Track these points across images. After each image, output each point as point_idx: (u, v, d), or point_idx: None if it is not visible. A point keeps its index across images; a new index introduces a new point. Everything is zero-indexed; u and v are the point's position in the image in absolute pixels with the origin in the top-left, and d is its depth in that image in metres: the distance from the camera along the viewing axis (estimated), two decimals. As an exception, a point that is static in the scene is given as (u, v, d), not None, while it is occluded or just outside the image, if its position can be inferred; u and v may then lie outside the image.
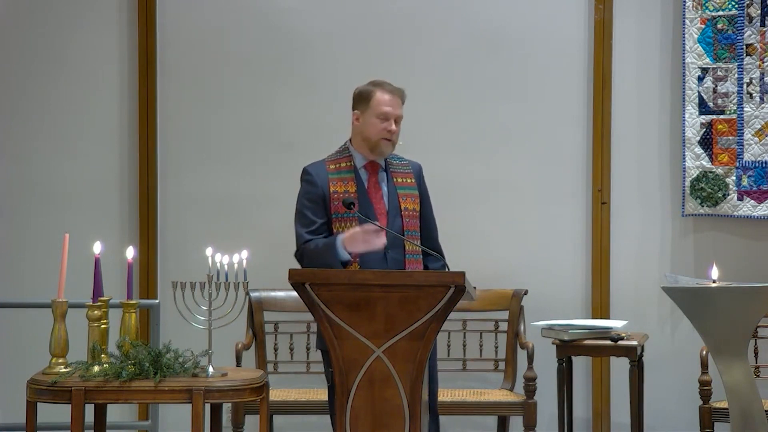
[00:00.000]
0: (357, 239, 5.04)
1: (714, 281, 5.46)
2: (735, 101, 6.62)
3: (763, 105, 6.61)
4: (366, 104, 5.22)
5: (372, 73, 6.64)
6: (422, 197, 5.32)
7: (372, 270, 5.02)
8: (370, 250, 5.06)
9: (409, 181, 5.28)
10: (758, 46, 6.61)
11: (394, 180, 5.25)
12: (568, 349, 6.23)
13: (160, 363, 5.05)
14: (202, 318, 5.11)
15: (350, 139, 5.32)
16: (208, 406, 5.24)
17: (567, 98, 6.79)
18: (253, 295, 6.60)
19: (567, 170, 6.81)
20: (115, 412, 6.46)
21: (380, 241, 5.05)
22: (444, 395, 6.26)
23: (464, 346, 6.67)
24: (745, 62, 6.62)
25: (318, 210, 5.21)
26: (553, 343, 6.25)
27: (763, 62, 6.61)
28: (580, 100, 6.80)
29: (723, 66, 6.64)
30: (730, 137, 6.64)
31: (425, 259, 5.26)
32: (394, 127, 5.19)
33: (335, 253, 5.07)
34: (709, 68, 6.65)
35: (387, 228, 5.13)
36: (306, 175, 5.28)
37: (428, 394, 5.02)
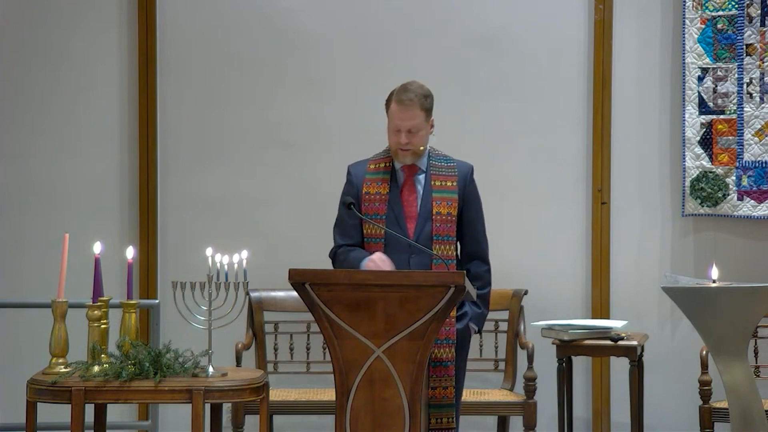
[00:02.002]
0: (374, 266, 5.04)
1: (714, 281, 5.47)
2: (735, 101, 6.62)
3: (763, 105, 6.61)
4: (387, 113, 5.18)
5: (372, 73, 6.68)
6: (466, 201, 5.23)
7: (372, 270, 5.02)
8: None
9: (449, 184, 5.21)
10: (758, 46, 6.61)
11: (432, 183, 5.19)
12: (568, 349, 6.23)
13: (160, 363, 5.05)
14: (202, 318, 5.11)
15: None
16: (208, 406, 5.24)
17: (567, 98, 6.79)
18: (253, 295, 6.59)
19: (567, 170, 6.81)
20: (115, 412, 6.46)
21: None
22: (444, 395, 6.26)
23: (464, 346, 6.67)
24: (745, 62, 6.62)
25: (352, 212, 5.16)
26: (553, 343, 6.25)
27: (763, 62, 6.61)
28: (580, 100, 6.80)
29: (723, 66, 6.64)
30: (730, 137, 6.64)
31: (468, 264, 5.19)
32: (404, 139, 5.10)
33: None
34: (709, 68, 6.65)
35: (411, 233, 5.10)
36: (347, 175, 5.24)
37: (427, 396, 5.03)
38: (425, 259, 5.10)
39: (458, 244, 5.24)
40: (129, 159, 6.90)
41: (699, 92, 6.66)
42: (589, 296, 6.78)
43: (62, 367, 5.10)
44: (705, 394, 6.16)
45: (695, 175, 6.67)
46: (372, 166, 5.21)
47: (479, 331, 5.27)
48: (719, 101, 6.65)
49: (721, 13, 6.63)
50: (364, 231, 5.16)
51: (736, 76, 6.61)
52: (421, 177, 5.20)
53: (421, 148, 5.15)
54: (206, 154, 6.89)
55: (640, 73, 6.77)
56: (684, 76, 6.68)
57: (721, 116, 6.65)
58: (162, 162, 6.90)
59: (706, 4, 6.63)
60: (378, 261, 5.03)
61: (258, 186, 6.86)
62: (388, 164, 5.20)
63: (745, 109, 6.63)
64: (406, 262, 5.10)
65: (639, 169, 6.79)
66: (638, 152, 6.79)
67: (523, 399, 6.30)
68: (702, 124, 6.66)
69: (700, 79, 6.65)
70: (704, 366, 6.19)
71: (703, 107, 6.66)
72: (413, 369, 4.75)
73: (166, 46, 6.88)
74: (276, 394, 6.35)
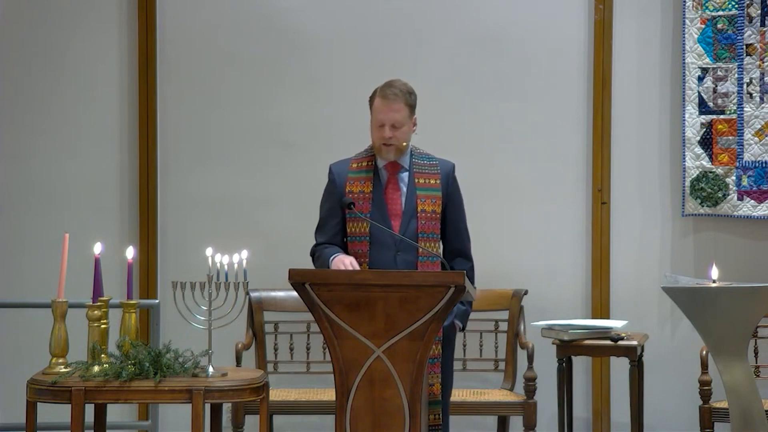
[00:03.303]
0: (339, 267, 5.06)
1: (714, 281, 5.46)
2: (735, 101, 6.62)
3: (763, 105, 6.61)
4: (371, 109, 5.23)
5: (372, 73, 6.66)
6: (448, 199, 5.25)
7: (372, 270, 5.02)
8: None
9: (432, 182, 5.23)
10: (758, 46, 6.61)
11: (416, 181, 5.21)
12: (568, 349, 6.23)
13: (160, 363, 5.05)
14: (202, 318, 5.11)
15: None
16: (208, 406, 5.24)
17: (567, 98, 6.79)
18: (253, 295, 6.60)
19: (567, 170, 6.81)
20: (115, 412, 6.46)
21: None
22: (444, 395, 6.26)
23: (464, 346, 6.67)
24: (745, 62, 6.62)
25: (334, 209, 5.21)
26: (553, 343, 6.25)
27: (763, 62, 6.61)
28: (580, 100, 6.80)
29: (723, 66, 6.64)
30: (730, 137, 6.64)
31: (451, 261, 5.22)
32: (388, 133, 5.14)
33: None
34: (709, 68, 6.65)
35: (396, 231, 5.12)
36: (329, 174, 5.29)
37: (427, 396, 5.02)
38: (411, 257, 5.14)
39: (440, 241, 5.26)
40: (129, 159, 6.90)
41: (699, 92, 6.66)
42: (589, 296, 6.78)
43: (62, 367, 5.10)
44: (705, 394, 6.16)
45: (695, 175, 6.67)
46: (354, 165, 5.24)
47: (464, 329, 5.28)
48: (719, 101, 6.65)
49: (721, 13, 6.63)
50: (349, 229, 5.18)
51: (736, 76, 6.61)
52: (404, 175, 5.23)
53: (404, 144, 5.18)
54: (206, 154, 6.89)
55: (640, 73, 6.77)
56: (684, 76, 6.67)
57: (721, 116, 6.65)
58: (162, 162, 6.90)
59: (706, 4, 6.63)
60: (345, 261, 5.03)
61: (258, 186, 6.86)
62: (370, 163, 5.23)
63: (745, 109, 6.63)
64: (393, 260, 5.13)
65: (639, 169, 6.79)
66: (638, 152, 6.79)
67: (523, 399, 6.30)
68: (702, 124, 6.66)
69: (700, 79, 6.65)
70: (704, 366, 6.19)
71: (703, 107, 6.66)
72: (413, 369, 4.75)
73: (166, 46, 6.88)
74: (276, 394, 6.35)
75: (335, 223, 5.21)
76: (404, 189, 5.21)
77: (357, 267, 5.05)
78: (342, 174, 5.23)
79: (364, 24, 6.83)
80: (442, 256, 5.23)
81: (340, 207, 5.19)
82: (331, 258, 5.09)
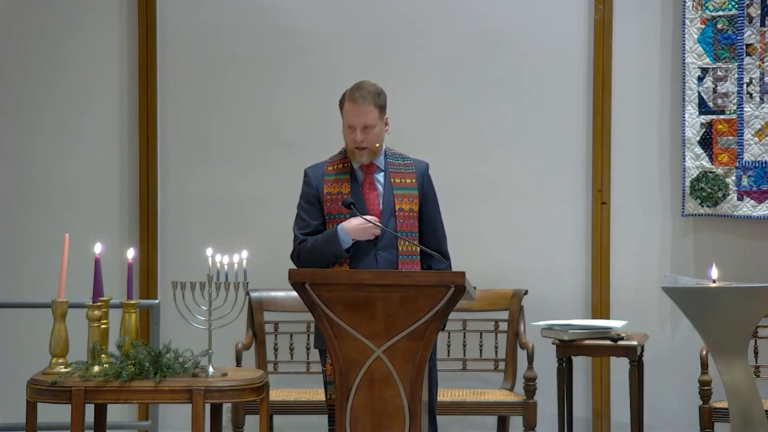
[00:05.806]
0: (356, 226, 5.09)
1: (714, 281, 5.47)
2: (735, 101, 6.62)
3: (763, 105, 6.61)
4: (341, 113, 5.25)
5: (372, 73, 6.65)
6: (424, 198, 5.29)
7: (372, 270, 5.03)
8: (367, 238, 5.11)
9: (408, 181, 5.27)
10: (758, 46, 6.61)
11: (392, 180, 5.24)
12: (568, 349, 6.23)
13: (160, 363, 5.06)
14: (202, 318, 5.12)
15: None
16: (208, 406, 5.24)
17: (567, 98, 6.79)
18: (253, 295, 6.60)
19: (567, 170, 6.81)
20: (115, 412, 6.46)
21: (376, 231, 5.11)
22: (444, 395, 6.26)
23: (464, 346, 6.67)
24: (745, 62, 6.62)
25: (313, 211, 5.24)
26: (553, 343, 6.25)
27: (763, 62, 6.61)
28: (580, 100, 6.80)
29: (723, 66, 6.64)
30: (730, 137, 6.64)
31: (428, 261, 5.24)
32: (359, 137, 5.16)
33: (337, 239, 5.11)
34: (709, 68, 6.65)
35: (383, 227, 5.14)
36: (305, 177, 5.32)
37: (427, 396, 5.02)
38: (392, 256, 5.16)
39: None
40: (129, 159, 6.90)
41: (699, 92, 6.66)
42: (589, 296, 6.78)
43: (62, 367, 5.10)
44: (705, 394, 6.16)
45: (695, 175, 6.67)
46: (330, 168, 5.28)
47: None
48: (719, 101, 6.65)
49: (721, 13, 6.63)
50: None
51: (736, 76, 6.61)
52: (380, 176, 5.27)
53: (377, 145, 5.20)
54: (206, 154, 6.89)
55: (640, 73, 6.77)
56: (684, 76, 6.68)
57: (721, 116, 6.65)
58: (162, 162, 6.90)
59: (706, 4, 6.63)
60: (351, 220, 5.07)
61: (258, 186, 6.86)
62: (345, 164, 5.26)
63: (745, 109, 6.63)
64: (374, 259, 5.15)
65: (639, 169, 6.79)
66: (638, 152, 6.79)
67: (523, 399, 6.30)
68: (702, 124, 6.66)
69: (700, 79, 6.65)
70: (704, 366, 6.19)
71: (703, 107, 6.66)
72: (413, 369, 4.76)
73: (166, 46, 6.88)
74: (276, 394, 6.35)
75: (317, 224, 5.24)
76: (381, 189, 5.25)
77: (376, 221, 5.11)
78: (318, 176, 5.26)
79: (364, 24, 6.83)
80: (419, 254, 5.23)
81: (320, 209, 5.22)
82: (338, 227, 5.11)
